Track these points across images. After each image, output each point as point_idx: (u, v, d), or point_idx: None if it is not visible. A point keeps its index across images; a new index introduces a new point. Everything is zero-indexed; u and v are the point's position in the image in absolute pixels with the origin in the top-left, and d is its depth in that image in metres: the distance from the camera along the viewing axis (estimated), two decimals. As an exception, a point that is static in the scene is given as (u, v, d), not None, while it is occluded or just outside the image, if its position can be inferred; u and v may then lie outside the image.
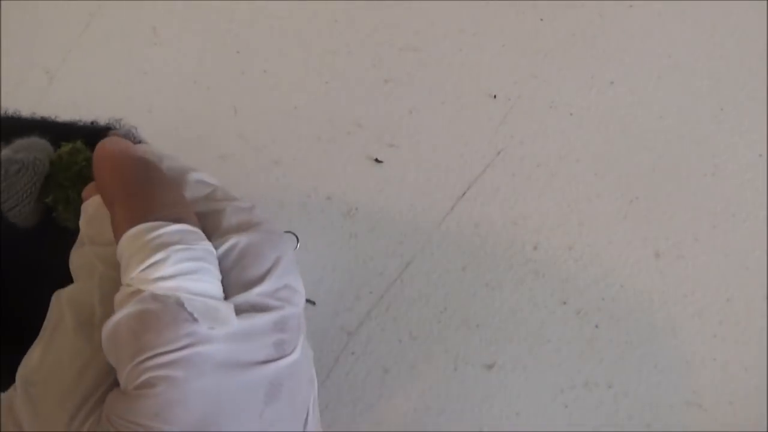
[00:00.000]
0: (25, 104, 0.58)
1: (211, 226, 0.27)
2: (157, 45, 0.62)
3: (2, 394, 0.27)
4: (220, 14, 0.64)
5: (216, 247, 0.26)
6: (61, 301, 0.27)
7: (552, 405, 0.47)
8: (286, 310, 0.26)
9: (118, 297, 0.25)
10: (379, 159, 0.56)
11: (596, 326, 0.50)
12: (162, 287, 0.24)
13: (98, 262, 0.27)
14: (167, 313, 0.24)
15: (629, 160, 0.57)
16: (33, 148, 0.31)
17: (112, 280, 0.26)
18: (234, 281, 0.26)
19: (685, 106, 0.60)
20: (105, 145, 0.29)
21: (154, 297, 0.24)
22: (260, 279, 0.26)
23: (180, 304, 0.24)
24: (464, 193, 0.55)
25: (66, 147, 0.33)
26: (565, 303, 0.51)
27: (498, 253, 0.52)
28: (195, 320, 0.24)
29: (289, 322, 0.26)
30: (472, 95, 0.60)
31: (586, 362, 0.49)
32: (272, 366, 0.25)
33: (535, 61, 0.62)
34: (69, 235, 0.30)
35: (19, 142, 0.30)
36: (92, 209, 0.29)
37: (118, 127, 0.36)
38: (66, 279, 0.28)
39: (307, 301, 0.48)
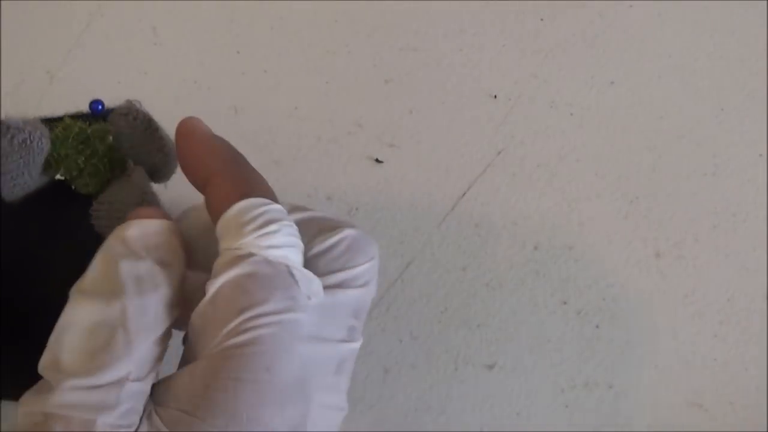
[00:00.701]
0: (25, 104, 0.58)
1: (318, 224, 0.30)
2: (157, 45, 0.62)
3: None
4: (220, 14, 0.64)
5: (329, 238, 0.29)
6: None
7: (552, 405, 0.47)
8: (362, 299, 0.29)
9: (221, 260, 0.27)
10: (379, 159, 0.56)
11: (597, 326, 0.50)
12: (273, 254, 0.26)
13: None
14: (278, 277, 0.26)
15: (629, 160, 0.57)
16: (32, 123, 0.30)
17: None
18: (336, 267, 0.28)
19: (686, 106, 0.60)
20: (189, 121, 0.31)
21: (267, 261, 0.26)
22: (357, 266, 0.29)
23: (289, 271, 0.26)
24: (464, 193, 0.55)
25: (57, 126, 0.33)
26: (565, 303, 0.51)
27: (498, 253, 0.52)
28: (298, 288, 0.26)
29: (361, 311, 0.29)
30: (473, 95, 0.60)
31: (587, 362, 0.49)
32: (345, 347, 0.28)
33: (535, 61, 0.62)
34: (81, 205, 0.31)
35: (13, 118, 0.30)
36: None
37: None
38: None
39: None
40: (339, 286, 0.28)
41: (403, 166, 0.56)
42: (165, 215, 0.31)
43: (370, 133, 0.58)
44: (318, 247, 0.29)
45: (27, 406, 0.26)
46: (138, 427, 0.25)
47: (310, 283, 0.26)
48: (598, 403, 0.48)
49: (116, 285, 0.26)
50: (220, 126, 0.58)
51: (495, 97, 0.60)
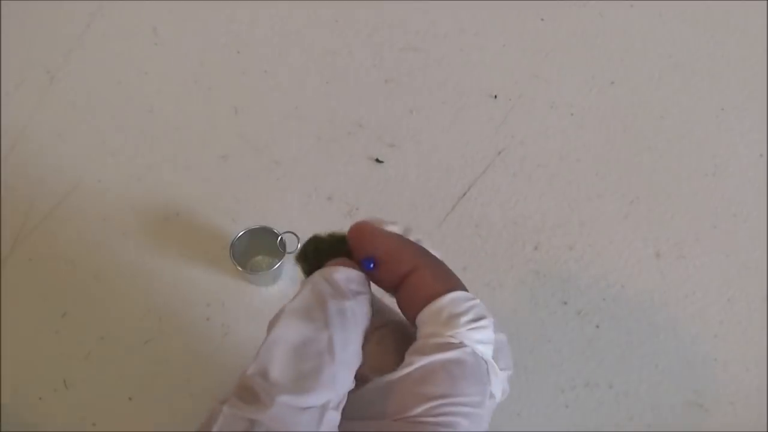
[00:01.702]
0: (25, 104, 0.58)
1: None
2: (157, 45, 0.62)
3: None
4: (220, 14, 0.64)
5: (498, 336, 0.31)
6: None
7: (553, 405, 0.47)
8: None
9: (434, 341, 0.28)
10: (379, 159, 0.56)
11: (597, 326, 0.50)
12: (480, 349, 0.28)
13: None
14: (480, 372, 0.28)
15: (630, 160, 0.57)
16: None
17: None
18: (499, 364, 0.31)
19: (686, 106, 0.60)
20: (364, 224, 0.33)
21: (474, 354, 0.28)
22: (505, 370, 0.30)
23: (488, 369, 0.28)
24: (465, 193, 0.55)
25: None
26: (565, 303, 0.51)
27: (499, 253, 0.52)
28: (491, 386, 0.28)
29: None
30: (473, 95, 0.60)
31: (587, 362, 0.49)
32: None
33: (535, 61, 0.62)
34: None
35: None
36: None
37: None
38: None
39: None
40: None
41: (404, 166, 0.56)
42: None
43: (370, 133, 0.58)
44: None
45: (235, 410, 0.26)
46: None
47: (499, 384, 0.28)
48: (599, 403, 0.48)
49: (324, 317, 0.28)
50: (220, 126, 0.58)
51: (495, 97, 0.60)
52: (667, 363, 0.49)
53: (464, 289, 0.30)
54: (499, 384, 0.29)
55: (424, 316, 0.30)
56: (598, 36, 0.64)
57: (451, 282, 0.30)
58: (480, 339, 0.28)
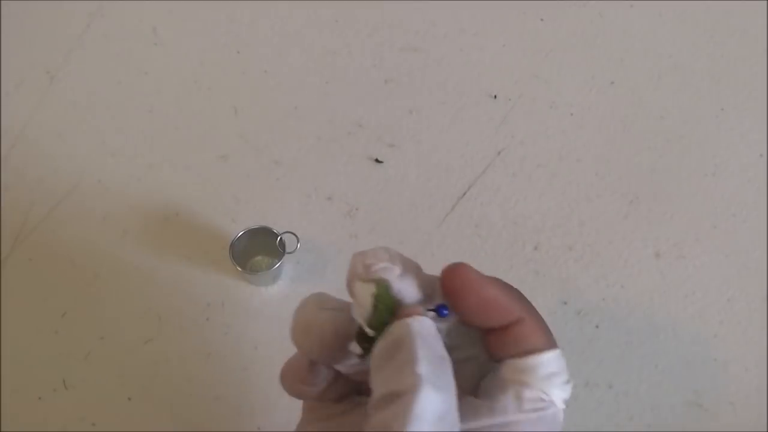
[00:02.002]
0: (25, 104, 0.58)
1: None
2: (157, 45, 0.62)
3: None
4: (220, 14, 0.64)
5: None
6: None
7: (553, 405, 0.47)
8: None
9: (528, 395, 0.28)
10: (379, 159, 0.56)
11: (597, 326, 0.50)
12: (562, 410, 0.28)
13: None
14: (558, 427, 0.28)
15: (630, 160, 0.57)
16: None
17: None
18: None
19: (686, 107, 0.60)
20: (464, 267, 0.31)
21: (558, 414, 0.28)
22: None
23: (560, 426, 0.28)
24: (465, 193, 0.55)
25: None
26: (565, 303, 0.51)
27: (498, 253, 0.52)
28: None
29: None
30: (473, 95, 0.60)
31: (587, 362, 0.49)
32: None
33: (535, 61, 0.62)
34: None
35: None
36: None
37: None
38: None
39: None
40: None
41: (404, 166, 0.56)
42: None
43: (370, 133, 0.58)
44: None
45: None
46: None
47: None
48: (598, 402, 0.48)
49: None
50: (220, 126, 0.58)
51: (495, 97, 0.60)
52: (667, 363, 0.49)
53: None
54: None
55: (523, 365, 0.29)
56: (598, 36, 0.64)
57: (552, 338, 0.30)
58: (566, 398, 0.28)
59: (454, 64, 0.62)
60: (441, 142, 0.57)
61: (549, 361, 0.29)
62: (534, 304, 0.54)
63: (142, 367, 0.47)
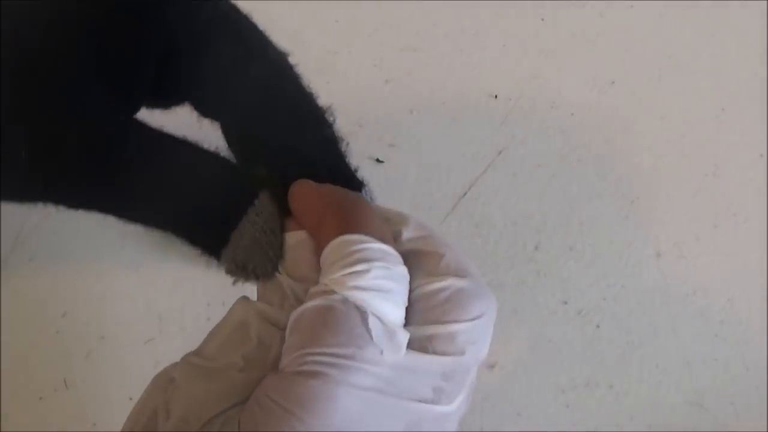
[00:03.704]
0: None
1: (429, 264, 0.28)
2: (158, 45, 0.62)
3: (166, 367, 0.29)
4: (221, 14, 0.64)
5: (431, 283, 0.27)
6: (250, 311, 0.29)
7: (553, 405, 0.47)
8: (460, 360, 0.26)
9: (312, 290, 0.27)
10: (379, 159, 0.56)
11: (597, 326, 0.50)
12: (354, 296, 0.25)
13: (290, 293, 0.29)
14: (349, 319, 0.25)
15: (630, 160, 0.57)
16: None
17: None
18: (430, 318, 0.27)
19: (686, 106, 0.60)
20: (298, 182, 0.32)
21: (344, 301, 0.25)
22: (455, 322, 0.26)
23: (364, 318, 0.25)
24: (465, 193, 0.55)
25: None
26: (566, 303, 0.51)
27: (499, 253, 0.52)
28: (370, 338, 0.25)
29: (456, 374, 0.26)
30: (473, 95, 0.60)
31: (588, 362, 0.49)
32: (422, 407, 0.25)
33: (536, 60, 0.62)
34: None
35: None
36: (293, 241, 0.31)
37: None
38: None
39: None
40: (429, 340, 0.26)
41: (404, 166, 0.56)
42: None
43: (370, 133, 0.58)
44: (418, 291, 0.27)
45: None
46: None
47: (389, 337, 0.25)
48: (599, 402, 0.48)
49: None
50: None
51: (496, 97, 0.60)
52: (667, 363, 0.49)
53: (371, 232, 0.27)
54: (394, 337, 0.25)
55: (321, 266, 0.28)
56: (598, 36, 0.64)
57: (344, 227, 0.27)
58: (358, 285, 0.25)
59: (454, 64, 0.62)
60: (441, 142, 0.57)
61: (331, 250, 0.27)
62: (535, 303, 0.54)
63: (143, 367, 0.47)
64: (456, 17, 0.65)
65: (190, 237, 0.34)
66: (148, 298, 0.49)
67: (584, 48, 0.63)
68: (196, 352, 0.29)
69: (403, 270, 0.27)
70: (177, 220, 0.35)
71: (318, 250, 0.29)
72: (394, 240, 0.29)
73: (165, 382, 0.27)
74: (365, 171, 0.56)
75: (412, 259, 0.28)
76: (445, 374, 0.26)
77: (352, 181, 0.37)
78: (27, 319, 0.49)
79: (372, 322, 0.25)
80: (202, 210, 0.33)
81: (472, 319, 0.26)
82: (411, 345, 0.26)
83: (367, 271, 0.26)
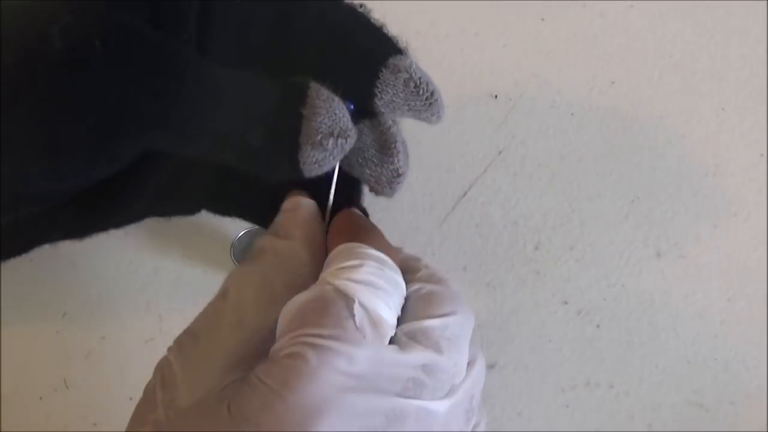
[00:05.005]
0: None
1: (408, 275, 0.31)
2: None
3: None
4: (221, 14, 0.64)
5: (411, 285, 0.30)
6: (241, 279, 0.32)
7: (553, 405, 0.47)
8: (440, 358, 0.27)
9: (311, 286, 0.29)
10: (380, 159, 0.56)
11: (597, 326, 0.50)
12: (343, 284, 0.27)
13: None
14: (335, 305, 0.27)
15: (630, 159, 0.57)
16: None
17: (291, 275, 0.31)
18: (405, 317, 0.29)
19: (686, 106, 0.60)
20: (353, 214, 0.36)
21: (335, 290, 0.27)
22: (427, 318, 0.28)
23: (349, 304, 0.27)
24: (465, 193, 0.55)
25: None
26: (566, 303, 0.51)
27: (499, 253, 0.52)
28: (354, 323, 0.26)
29: (439, 371, 0.27)
30: (473, 95, 0.60)
31: (588, 362, 0.49)
32: (401, 401, 0.26)
33: (536, 60, 0.62)
34: None
35: None
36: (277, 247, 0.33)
37: None
38: None
39: None
40: (407, 336, 0.28)
41: (404, 166, 0.56)
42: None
43: (370, 133, 0.57)
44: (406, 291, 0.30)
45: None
46: None
47: (373, 324, 0.27)
48: (599, 402, 0.48)
49: None
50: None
51: (496, 96, 0.60)
52: (667, 363, 0.49)
53: (373, 245, 0.30)
54: (379, 326, 0.27)
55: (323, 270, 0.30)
56: (598, 36, 0.64)
57: (357, 236, 0.31)
58: (349, 277, 0.28)
59: (455, 64, 0.62)
60: (442, 142, 0.57)
61: (334, 254, 0.30)
62: (535, 303, 0.54)
63: (143, 367, 0.47)
64: (456, 17, 0.65)
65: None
66: (148, 298, 0.49)
67: (584, 48, 0.63)
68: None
69: (396, 276, 0.29)
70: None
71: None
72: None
73: (162, 364, 0.30)
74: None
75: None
76: (425, 367, 0.27)
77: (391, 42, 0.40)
78: (27, 319, 0.49)
79: (357, 308, 0.27)
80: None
81: (443, 315, 0.28)
82: (390, 341, 0.28)
83: (359, 266, 0.28)
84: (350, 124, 0.34)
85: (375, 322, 0.27)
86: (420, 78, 0.36)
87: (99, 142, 0.29)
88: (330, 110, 0.33)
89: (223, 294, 0.32)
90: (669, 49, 0.64)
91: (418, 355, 0.27)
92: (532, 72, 0.62)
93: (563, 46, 0.64)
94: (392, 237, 0.53)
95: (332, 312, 0.26)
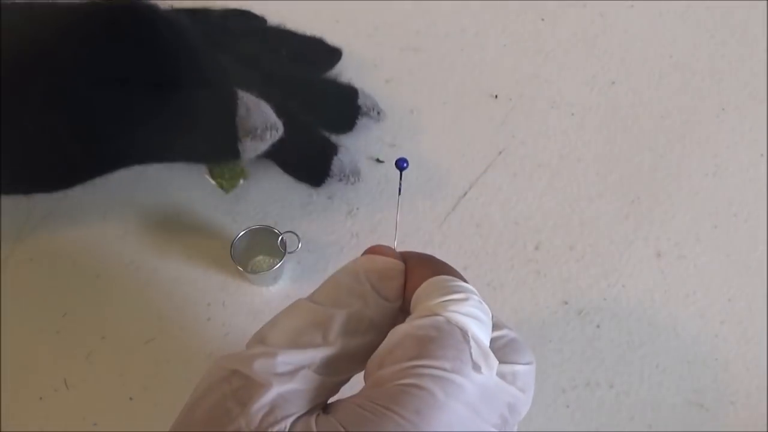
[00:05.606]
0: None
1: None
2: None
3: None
4: (221, 14, 0.64)
5: (495, 331, 0.31)
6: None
7: (554, 405, 0.47)
8: (520, 398, 0.29)
9: (413, 315, 0.30)
10: (379, 159, 0.56)
11: (598, 326, 0.50)
12: (455, 317, 0.28)
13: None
14: (453, 337, 0.28)
15: (631, 159, 0.57)
16: None
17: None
18: (498, 358, 0.30)
19: (686, 106, 0.60)
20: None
21: (448, 321, 0.28)
22: (516, 363, 0.30)
23: (465, 336, 0.28)
24: (466, 193, 0.55)
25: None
26: (566, 303, 0.51)
27: (499, 253, 0.52)
28: (470, 355, 0.28)
29: (516, 409, 0.29)
30: (474, 95, 0.60)
31: (588, 362, 0.49)
32: None
33: (536, 60, 0.62)
34: None
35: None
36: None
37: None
38: None
39: None
40: (502, 376, 0.29)
41: (404, 166, 0.56)
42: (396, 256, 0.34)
43: (370, 133, 0.58)
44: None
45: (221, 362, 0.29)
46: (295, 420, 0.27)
47: (485, 356, 0.28)
48: (600, 402, 0.48)
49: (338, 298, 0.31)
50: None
51: (496, 97, 0.60)
52: (667, 363, 0.49)
53: (460, 278, 0.31)
54: (488, 358, 0.28)
55: (412, 302, 0.31)
56: (598, 36, 0.64)
57: (434, 270, 0.31)
58: (456, 309, 0.29)
59: (455, 64, 0.62)
60: (441, 142, 0.57)
61: (427, 287, 0.31)
62: (535, 303, 0.54)
63: (144, 367, 0.47)
64: (456, 17, 0.65)
65: None
66: (148, 298, 0.49)
67: (584, 48, 0.63)
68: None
69: (488, 309, 0.31)
70: None
71: (408, 292, 0.32)
72: None
73: (227, 373, 0.29)
74: (365, 171, 0.56)
75: None
76: (510, 405, 0.29)
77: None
78: (27, 319, 0.49)
79: (473, 340, 0.28)
80: None
81: (527, 364, 0.30)
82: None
83: (465, 299, 0.29)
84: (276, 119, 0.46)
85: (485, 354, 0.28)
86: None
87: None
88: (259, 110, 0.45)
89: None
90: (669, 49, 0.64)
91: (510, 393, 0.29)
92: (533, 72, 0.62)
93: (563, 46, 0.64)
94: (391, 237, 0.53)
95: (451, 344, 0.27)
